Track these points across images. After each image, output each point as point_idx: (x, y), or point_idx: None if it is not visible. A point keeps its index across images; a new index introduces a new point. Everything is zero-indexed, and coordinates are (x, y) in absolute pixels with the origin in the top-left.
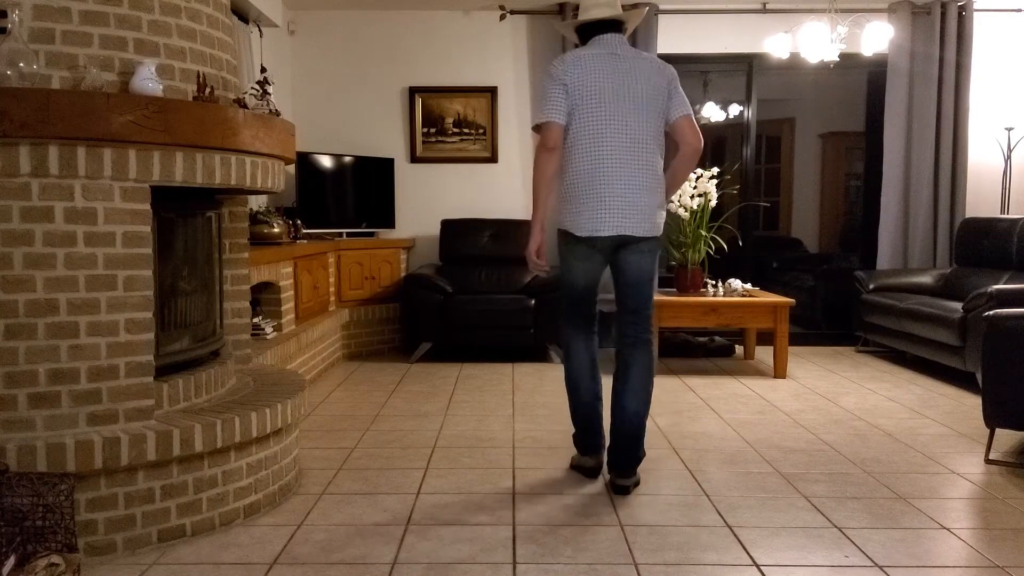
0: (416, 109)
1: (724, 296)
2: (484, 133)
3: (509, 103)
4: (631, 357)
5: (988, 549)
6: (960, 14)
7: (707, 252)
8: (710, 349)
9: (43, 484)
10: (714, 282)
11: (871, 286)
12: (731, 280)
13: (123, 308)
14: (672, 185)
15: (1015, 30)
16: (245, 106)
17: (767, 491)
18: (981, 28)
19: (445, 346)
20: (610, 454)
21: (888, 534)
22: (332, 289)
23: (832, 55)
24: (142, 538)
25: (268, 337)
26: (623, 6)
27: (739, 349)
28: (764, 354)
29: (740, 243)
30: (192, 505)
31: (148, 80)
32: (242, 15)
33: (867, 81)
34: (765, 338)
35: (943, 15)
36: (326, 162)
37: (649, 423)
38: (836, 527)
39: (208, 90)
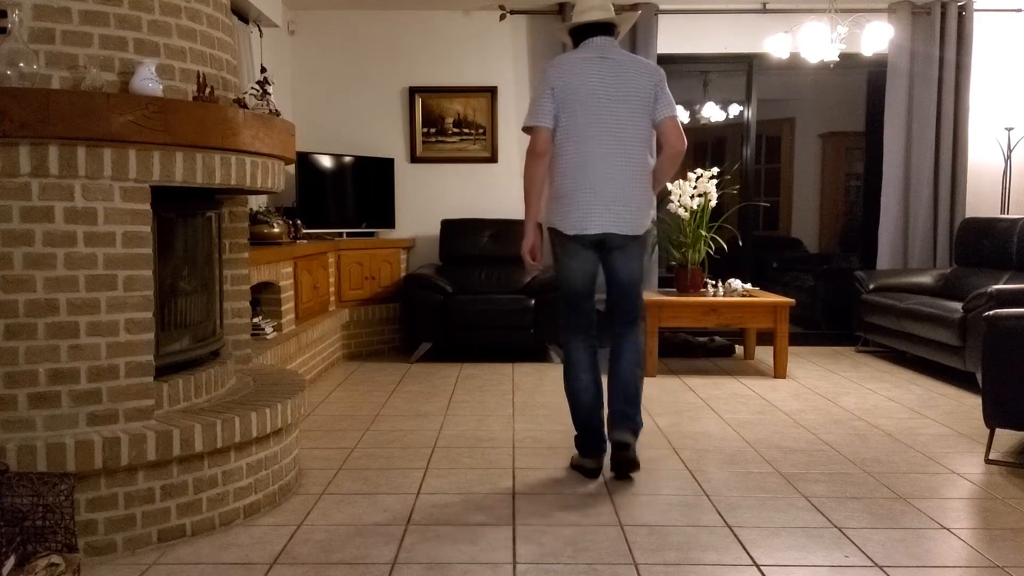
0: (416, 109)
1: (724, 296)
2: (484, 133)
3: (509, 103)
4: (623, 337)
5: (988, 549)
6: (960, 14)
7: (707, 252)
8: (710, 349)
9: (43, 484)
10: (714, 282)
11: (871, 286)
12: (731, 280)
13: (123, 308)
14: (655, 183)
15: (1015, 30)
16: (245, 106)
17: (767, 491)
18: (981, 28)
19: (445, 346)
20: (610, 421)
21: (888, 534)
22: (332, 289)
23: (832, 55)
24: (142, 538)
25: (268, 337)
26: (623, 6)
27: (739, 349)
28: (764, 354)
29: (740, 243)
30: (192, 505)
31: (148, 80)
32: (242, 15)
33: (867, 81)
34: (765, 338)
35: (943, 15)
36: (326, 162)
37: (649, 423)
38: (836, 527)
39: (208, 90)
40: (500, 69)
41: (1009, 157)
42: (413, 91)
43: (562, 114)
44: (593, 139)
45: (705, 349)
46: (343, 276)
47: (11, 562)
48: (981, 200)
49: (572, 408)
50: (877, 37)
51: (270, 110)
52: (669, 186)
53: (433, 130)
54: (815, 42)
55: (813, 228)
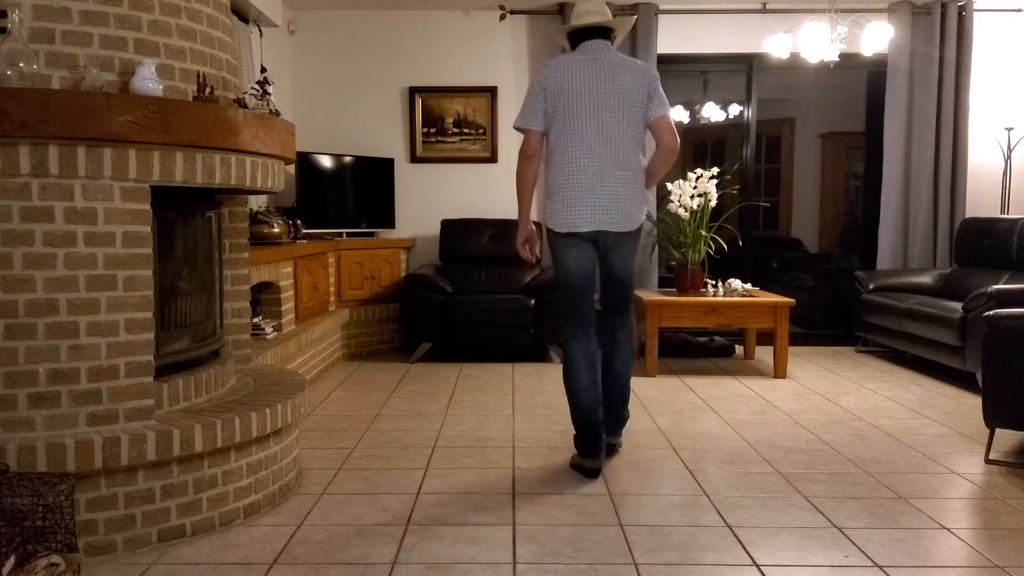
0: (416, 109)
1: (724, 296)
2: (484, 133)
3: (509, 103)
4: (615, 338)
5: (988, 549)
6: (960, 14)
7: (707, 252)
8: (710, 349)
9: (43, 484)
10: (714, 282)
11: (871, 286)
12: (731, 280)
13: (123, 308)
14: (649, 179)
15: (1015, 30)
16: (245, 106)
17: (767, 491)
18: (981, 28)
19: (445, 346)
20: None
21: (888, 534)
22: (332, 289)
23: (832, 55)
24: (142, 538)
25: (268, 337)
26: (624, 4)
27: (739, 349)
28: (764, 354)
29: (740, 243)
30: (192, 505)
31: (148, 80)
32: (242, 15)
33: (867, 81)
34: (765, 338)
35: (943, 15)
36: (326, 162)
37: (649, 423)
38: (836, 527)
39: (208, 90)
40: (500, 69)
41: (1009, 157)
42: (413, 91)
43: (555, 115)
44: (585, 139)
45: (705, 349)
46: (343, 276)
47: (11, 562)
48: (981, 200)
49: (572, 408)
50: (877, 37)
51: (270, 110)
52: (669, 186)
53: (433, 130)
54: (815, 42)
55: (813, 228)
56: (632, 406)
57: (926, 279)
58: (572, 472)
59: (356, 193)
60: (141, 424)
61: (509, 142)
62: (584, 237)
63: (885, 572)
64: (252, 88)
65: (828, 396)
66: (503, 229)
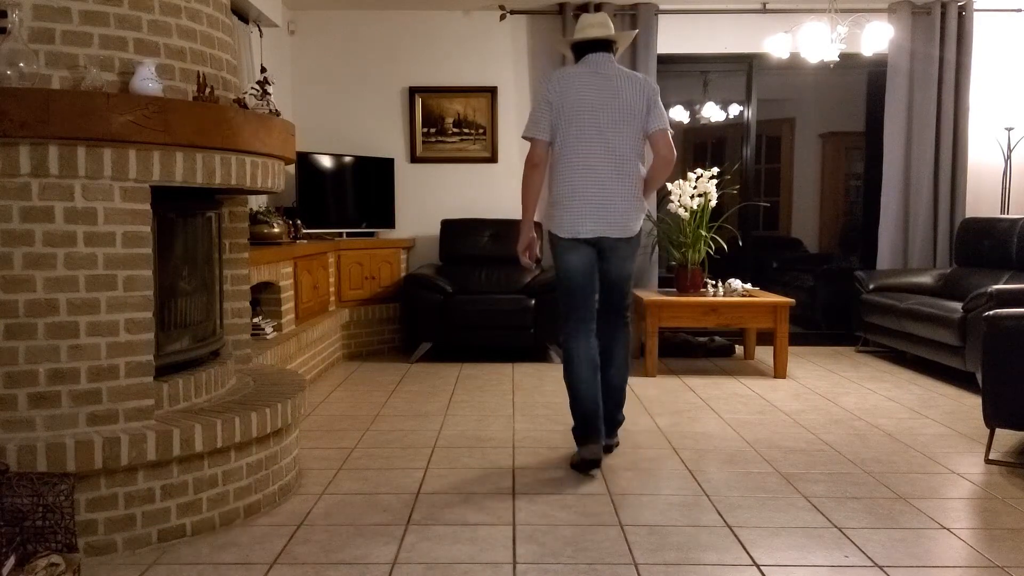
0: (416, 109)
1: (724, 296)
2: (484, 133)
3: (509, 103)
4: (613, 340)
5: (988, 549)
6: (960, 14)
7: (707, 252)
8: (710, 349)
9: (43, 484)
10: (714, 282)
11: (871, 286)
12: (731, 280)
13: (123, 308)
14: (647, 188)
15: (1015, 30)
16: (245, 106)
17: (767, 491)
18: (981, 28)
19: (445, 346)
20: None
21: (888, 534)
22: (332, 289)
23: (832, 55)
24: (142, 538)
25: (268, 337)
26: (623, 5)
27: (739, 349)
28: (764, 354)
29: (740, 243)
30: (192, 505)
31: (148, 80)
32: (242, 15)
33: (867, 81)
34: (765, 338)
35: (943, 15)
36: (326, 162)
37: (649, 423)
38: (836, 527)
39: (208, 90)
40: (500, 69)
41: (1009, 157)
42: (413, 91)
43: (560, 125)
44: (587, 149)
45: (705, 349)
46: (343, 276)
47: (11, 562)
48: (981, 200)
49: (572, 402)
50: (877, 37)
51: (270, 110)
52: (669, 186)
53: (433, 130)
54: (815, 42)
55: (813, 228)
56: (632, 406)
57: (926, 279)
58: (572, 472)
59: (356, 193)
60: (141, 424)
61: (509, 142)
62: (586, 242)
63: (885, 572)
64: (252, 88)
65: (828, 396)
66: (503, 229)
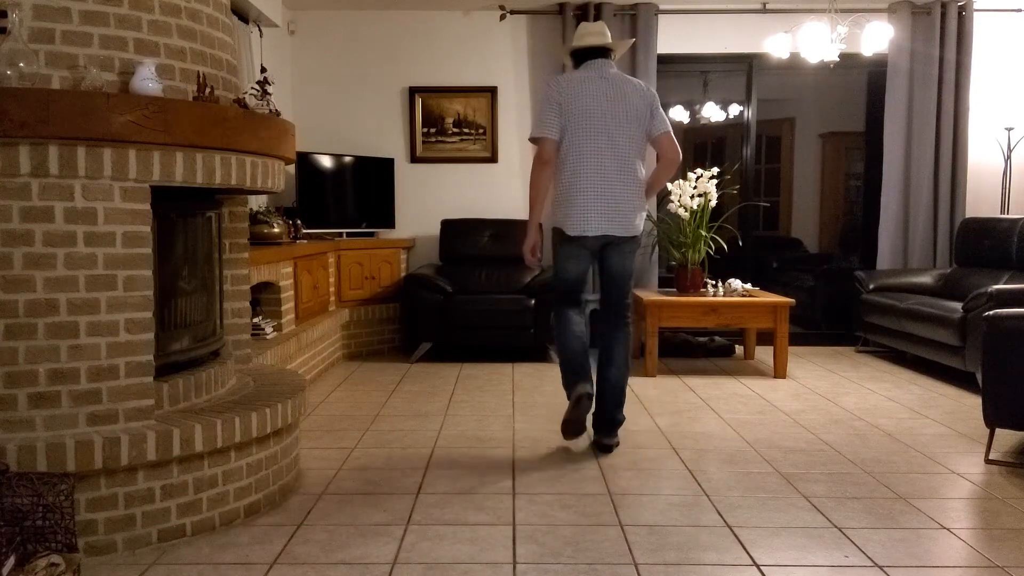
0: (416, 109)
1: (724, 296)
2: (484, 133)
3: (509, 103)
4: (613, 339)
5: (988, 549)
6: (960, 14)
7: (707, 252)
8: (710, 349)
9: (43, 484)
10: (714, 282)
11: (871, 286)
12: (731, 280)
13: (123, 308)
14: (650, 189)
15: (1015, 30)
16: (245, 106)
17: (767, 491)
18: (981, 28)
19: (445, 346)
20: (596, 419)
21: (888, 534)
22: (332, 289)
23: (832, 55)
24: (142, 538)
25: (268, 337)
26: (623, 6)
27: (739, 349)
28: (764, 354)
29: (740, 243)
30: (192, 505)
31: (148, 80)
32: (242, 15)
33: (867, 81)
34: (765, 338)
35: (943, 15)
36: (326, 162)
37: (649, 423)
38: (836, 527)
39: (208, 90)
40: (500, 69)
41: (1009, 157)
42: (413, 91)
43: (567, 127)
44: (593, 151)
45: (705, 349)
46: (343, 276)
47: (11, 562)
48: (981, 200)
49: (561, 358)
50: (877, 37)
51: (270, 110)
52: (669, 186)
53: (433, 130)
54: (815, 42)
55: (813, 228)
56: (632, 406)
57: (926, 279)
58: (572, 472)
59: (356, 193)
60: (141, 424)
61: (509, 142)
62: (589, 240)
63: (885, 572)
64: (252, 88)
65: (828, 396)
66: (503, 229)
